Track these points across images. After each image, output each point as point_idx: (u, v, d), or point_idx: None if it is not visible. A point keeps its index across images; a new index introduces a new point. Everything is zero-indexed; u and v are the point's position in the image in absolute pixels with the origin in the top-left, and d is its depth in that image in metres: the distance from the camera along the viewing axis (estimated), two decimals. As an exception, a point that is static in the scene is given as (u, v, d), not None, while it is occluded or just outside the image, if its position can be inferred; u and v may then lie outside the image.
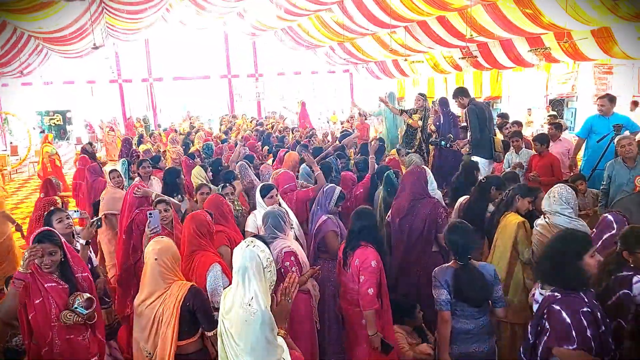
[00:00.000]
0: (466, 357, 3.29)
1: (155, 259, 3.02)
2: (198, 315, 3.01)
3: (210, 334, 3.02)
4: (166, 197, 4.66)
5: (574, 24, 11.46)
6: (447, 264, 3.39)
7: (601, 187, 5.31)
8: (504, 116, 9.88)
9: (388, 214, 4.77)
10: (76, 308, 3.06)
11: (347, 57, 22.25)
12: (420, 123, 8.18)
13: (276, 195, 4.65)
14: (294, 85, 26.40)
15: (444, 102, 8.07)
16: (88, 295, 3.15)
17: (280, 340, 2.51)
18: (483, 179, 4.66)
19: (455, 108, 8.05)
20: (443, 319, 3.28)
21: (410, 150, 7.93)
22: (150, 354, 3.03)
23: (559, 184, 3.96)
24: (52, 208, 4.52)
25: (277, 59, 25.40)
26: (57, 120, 23.11)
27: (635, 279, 2.88)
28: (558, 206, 3.77)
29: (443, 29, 15.05)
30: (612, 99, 6.32)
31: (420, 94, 8.75)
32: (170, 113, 23.09)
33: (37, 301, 3.03)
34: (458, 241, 3.27)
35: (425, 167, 4.92)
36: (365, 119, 13.96)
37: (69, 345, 3.09)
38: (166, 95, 24.78)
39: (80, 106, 23.49)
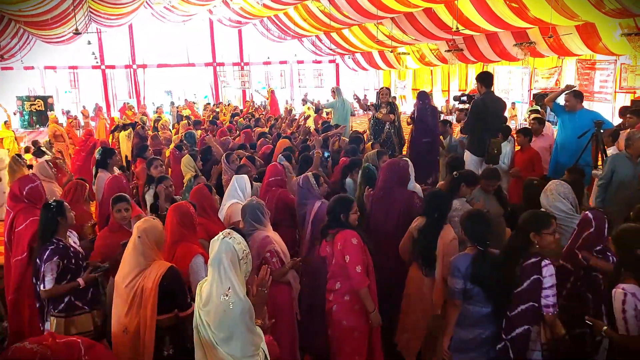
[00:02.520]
0: (484, 341, 3.32)
1: (139, 237, 3.03)
2: (173, 295, 3.02)
3: (183, 314, 3.04)
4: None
5: (559, 19, 11.55)
6: (464, 252, 3.42)
7: (599, 182, 5.15)
8: None
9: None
10: None
11: (333, 47, 22.17)
12: (392, 117, 8.10)
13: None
14: (278, 73, 26.31)
15: (421, 95, 7.92)
16: None
17: (259, 330, 2.54)
18: (456, 174, 4.50)
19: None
20: (454, 304, 3.36)
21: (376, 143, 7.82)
22: (126, 328, 3.04)
23: (553, 180, 4.00)
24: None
25: (263, 47, 25.20)
26: (38, 106, 22.71)
27: (543, 262, 3.00)
28: (557, 202, 3.85)
29: (430, 21, 15.06)
30: (577, 95, 6.19)
31: (386, 88, 8.70)
32: (154, 100, 22.81)
33: None
34: (476, 228, 3.33)
35: (407, 160, 4.86)
36: (316, 112, 14.25)
37: None
38: (150, 82, 24.46)
39: (61, 92, 23.16)
